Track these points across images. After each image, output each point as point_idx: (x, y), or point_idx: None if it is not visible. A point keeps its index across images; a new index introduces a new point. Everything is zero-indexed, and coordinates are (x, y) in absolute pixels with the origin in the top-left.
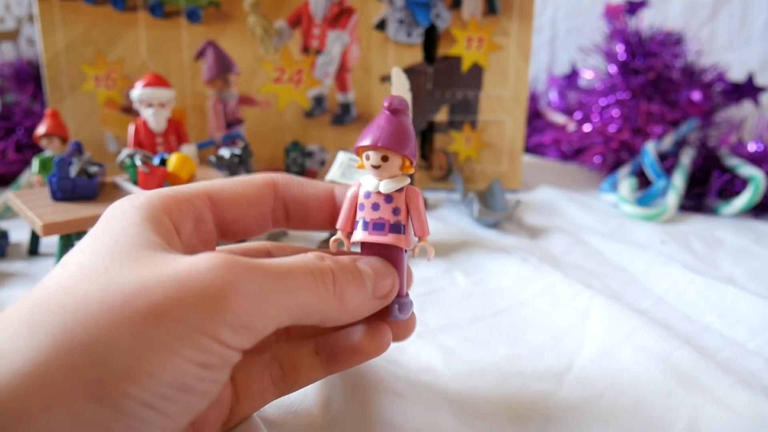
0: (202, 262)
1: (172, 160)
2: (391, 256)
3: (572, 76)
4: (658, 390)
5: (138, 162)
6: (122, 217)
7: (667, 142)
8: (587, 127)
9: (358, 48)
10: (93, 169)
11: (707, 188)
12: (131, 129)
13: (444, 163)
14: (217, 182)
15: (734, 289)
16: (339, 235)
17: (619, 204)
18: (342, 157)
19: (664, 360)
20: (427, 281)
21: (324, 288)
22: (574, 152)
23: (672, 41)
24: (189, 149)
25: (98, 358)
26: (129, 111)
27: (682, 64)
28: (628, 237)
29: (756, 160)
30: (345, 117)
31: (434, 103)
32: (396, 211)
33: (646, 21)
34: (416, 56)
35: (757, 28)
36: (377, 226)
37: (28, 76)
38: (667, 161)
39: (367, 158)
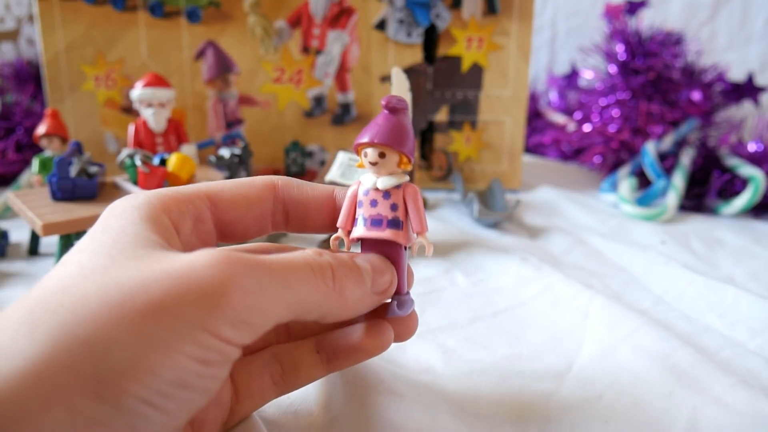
0: (201, 258)
1: (172, 160)
2: (390, 252)
3: (572, 76)
4: (658, 390)
5: (138, 162)
6: (121, 216)
7: (667, 142)
8: (587, 127)
9: (358, 48)
10: (93, 169)
11: (707, 188)
12: (131, 129)
13: (444, 163)
14: (217, 183)
15: (734, 289)
16: (339, 233)
17: (619, 204)
18: (342, 157)
19: (664, 360)
20: (427, 281)
21: (323, 283)
22: (574, 152)
23: (672, 41)
24: (189, 149)
25: (98, 355)
26: (129, 111)
27: (682, 64)
28: (628, 237)
29: (756, 160)
30: (345, 117)
31: (434, 103)
32: (394, 207)
33: (646, 21)
34: (416, 56)
35: (757, 28)
36: (375, 222)
37: (28, 76)
38: (667, 161)
39: (366, 156)
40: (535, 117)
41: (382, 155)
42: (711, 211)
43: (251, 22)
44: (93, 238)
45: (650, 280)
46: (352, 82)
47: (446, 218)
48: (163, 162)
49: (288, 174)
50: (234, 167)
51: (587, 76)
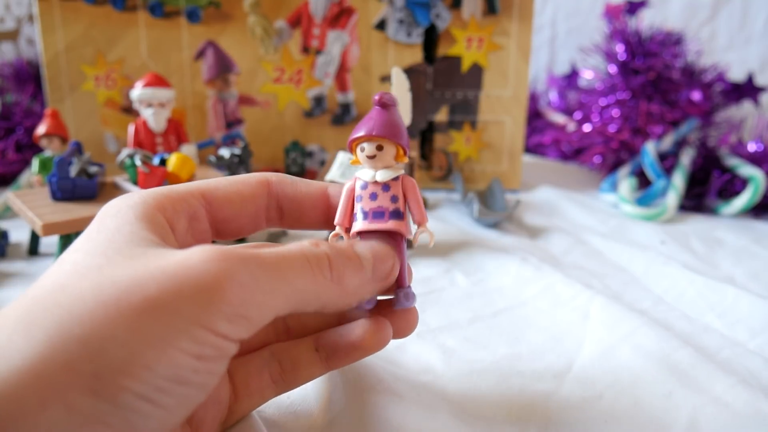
0: (196, 254)
1: (172, 160)
2: (391, 245)
3: (572, 76)
4: (658, 390)
5: (138, 162)
6: (117, 216)
7: (667, 142)
8: (587, 127)
9: (358, 48)
10: (93, 169)
11: (707, 188)
12: (131, 129)
13: (444, 163)
14: (211, 181)
15: (734, 289)
16: (338, 230)
17: (619, 204)
18: (342, 157)
19: (664, 360)
20: (427, 281)
21: (320, 273)
22: (574, 152)
23: (672, 41)
24: (189, 149)
25: (94, 352)
26: (129, 111)
27: (682, 64)
28: (628, 237)
29: (756, 160)
30: (345, 117)
31: (434, 103)
32: (394, 199)
33: (646, 21)
34: (416, 56)
35: (757, 28)
36: (377, 215)
37: (28, 76)
38: (667, 161)
39: (362, 150)
40: (535, 117)
41: (379, 147)
42: (711, 211)
43: (251, 22)
44: (88, 237)
45: (650, 280)
46: (352, 82)
47: (446, 218)
48: (163, 162)
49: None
50: (234, 167)
51: (587, 76)
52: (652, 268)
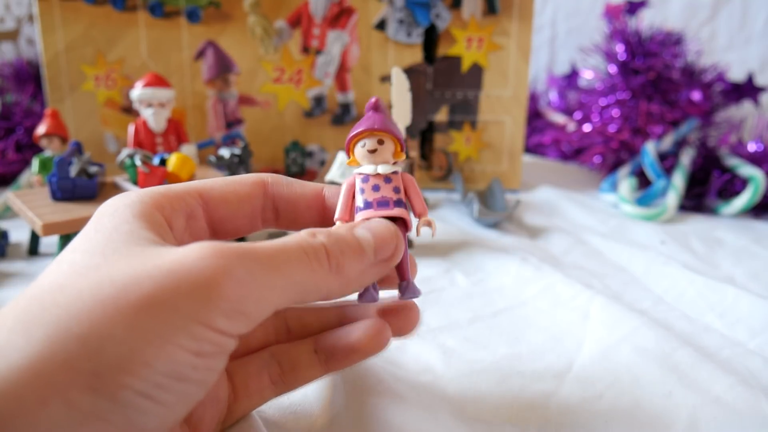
0: (193, 251)
1: (172, 160)
2: None
3: (572, 76)
4: (658, 390)
5: (138, 162)
6: (114, 215)
7: (667, 142)
8: (587, 127)
9: (358, 48)
10: (93, 169)
11: (707, 188)
12: (131, 129)
13: (444, 163)
14: (207, 181)
15: (734, 289)
16: (338, 225)
17: (619, 204)
18: (342, 157)
19: (664, 360)
20: (427, 281)
21: (318, 264)
22: (574, 152)
23: (672, 41)
24: (189, 149)
25: (93, 350)
26: (129, 111)
27: (682, 64)
28: (628, 237)
29: (756, 160)
30: (345, 117)
31: (434, 103)
32: (396, 190)
33: (646, 21)
34: (416, 56)
35: (757, 28)
36: (381, 204)
37: (28, 76)
38: (667, 161)
39: (363, 146)
40: (535, 117)
41: (380, 142)
42: (711, 211)
43: (251, 22)
44: (86, 237)
45: (650, 280)
46: (352, 82)
47: (446, 218)
48: (163, 162)
49: (288, 174)
50: (234, 167)
51: (587, 76)
52: (652, 268)
